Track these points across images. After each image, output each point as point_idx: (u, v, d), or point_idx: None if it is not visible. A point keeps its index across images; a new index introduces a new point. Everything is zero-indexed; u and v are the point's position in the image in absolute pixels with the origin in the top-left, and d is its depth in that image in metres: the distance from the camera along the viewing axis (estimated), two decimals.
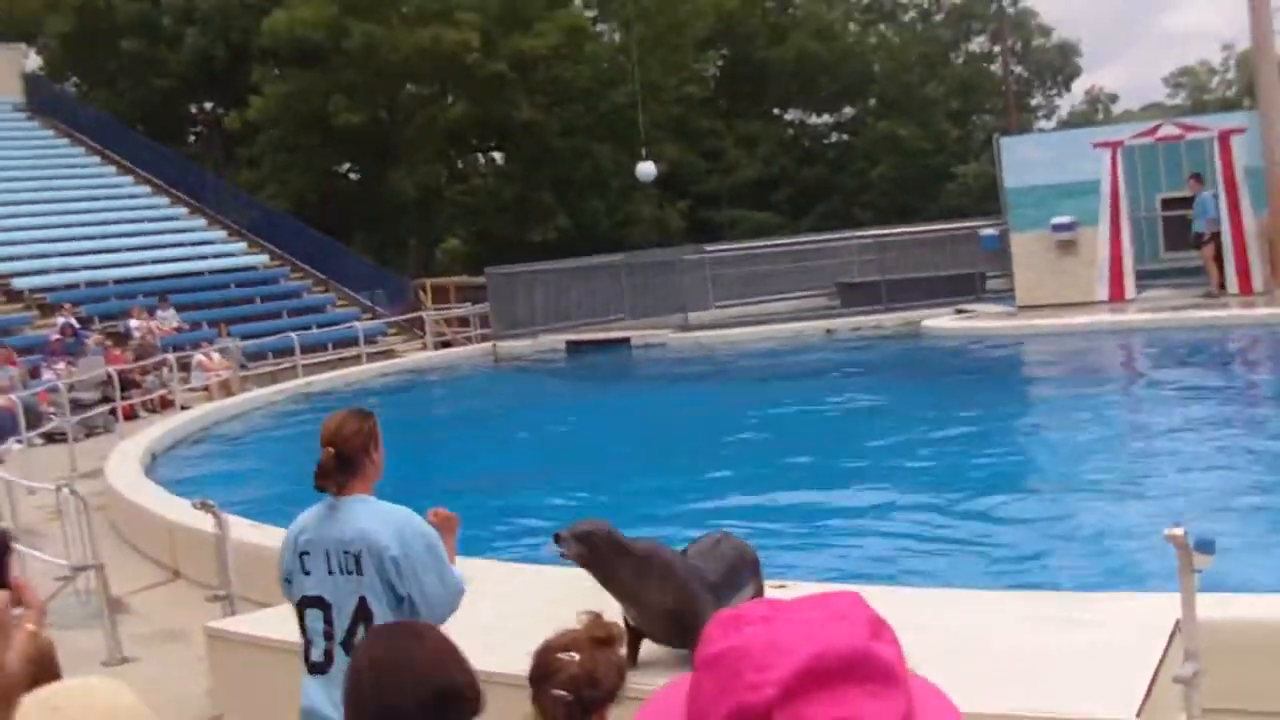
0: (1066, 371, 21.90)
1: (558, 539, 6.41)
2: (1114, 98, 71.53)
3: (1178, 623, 6.04)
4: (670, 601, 6.36)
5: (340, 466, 5.02)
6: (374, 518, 4.97)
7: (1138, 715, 5.36)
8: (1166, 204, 30.21)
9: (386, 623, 3.89)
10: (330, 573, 4.97)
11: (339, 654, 4.91)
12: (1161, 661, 5.93)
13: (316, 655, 5.00)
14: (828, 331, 29.42)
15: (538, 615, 6.48)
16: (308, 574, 5.03)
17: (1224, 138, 26.31)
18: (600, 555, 6.33)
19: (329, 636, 4.96)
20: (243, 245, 38.07)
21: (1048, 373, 22.75)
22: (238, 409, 24.35)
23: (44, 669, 1.89)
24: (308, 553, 5.04)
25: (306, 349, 29.17)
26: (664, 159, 43.45)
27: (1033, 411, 19.38)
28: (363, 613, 4.90)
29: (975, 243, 32.01)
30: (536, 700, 3.59)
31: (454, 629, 4.77)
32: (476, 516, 13.87)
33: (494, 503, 14.65)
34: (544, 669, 3.64)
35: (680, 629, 6.39)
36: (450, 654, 3.09)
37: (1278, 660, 6.58)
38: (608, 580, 6.41)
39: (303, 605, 5.06)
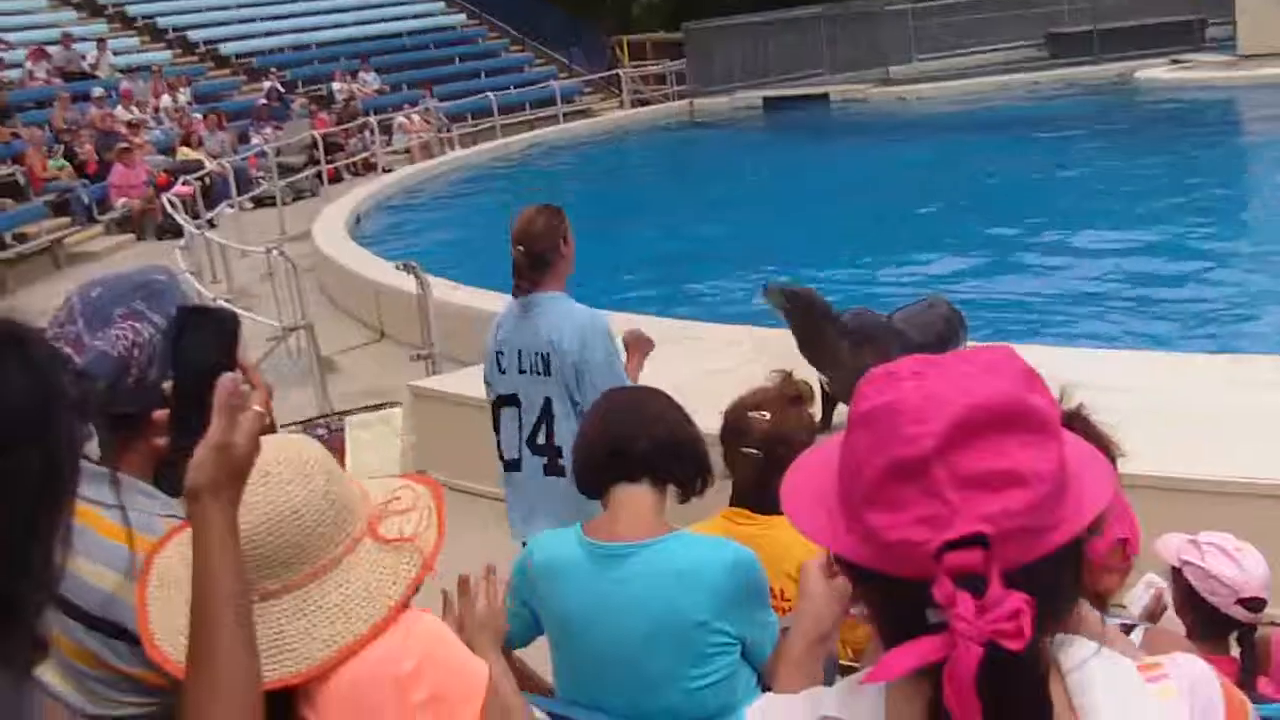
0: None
1: (768, 291, 6.42)
2: None
3: None
4: (868, 365, 6.35)
5: (532, 264, 5.01)
6: (562, 319, 4.96)
7: None
8: None
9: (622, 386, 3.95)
10: (522, 371, 5.03)
11: (525, 452, 5.00)
12: None
13: (511, 453, 5.08)
14: (1035, 84, 28.42)
15: (729, 374, 6.53)
16: (503, 373, 5.10)
17: None
18: (804, 314, 6.34)
19: (520, 434, 5.04)
20: (441, 4, 38.02)
21: (1270, 128, 21.69)
22: (438, 171, 24.68)
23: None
24: (502, 352, 5.10)
25: (504, 110, 29.29)
26: None
27: (1251, 171, 18.58)
28: (547, 413, 4.95)
29: None
30: (728, 457, 3.62)
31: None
32: (671, 277, 14.00)
33: (688, 262, 14.69)
34: (735, 426, 3.66)
35: None
36: (683, 414, 3.24)
37: None
38: (808, 341, 6.42)
39: (498, 405, 5.14)
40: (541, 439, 4.97)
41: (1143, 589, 3.62)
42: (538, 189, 21.49)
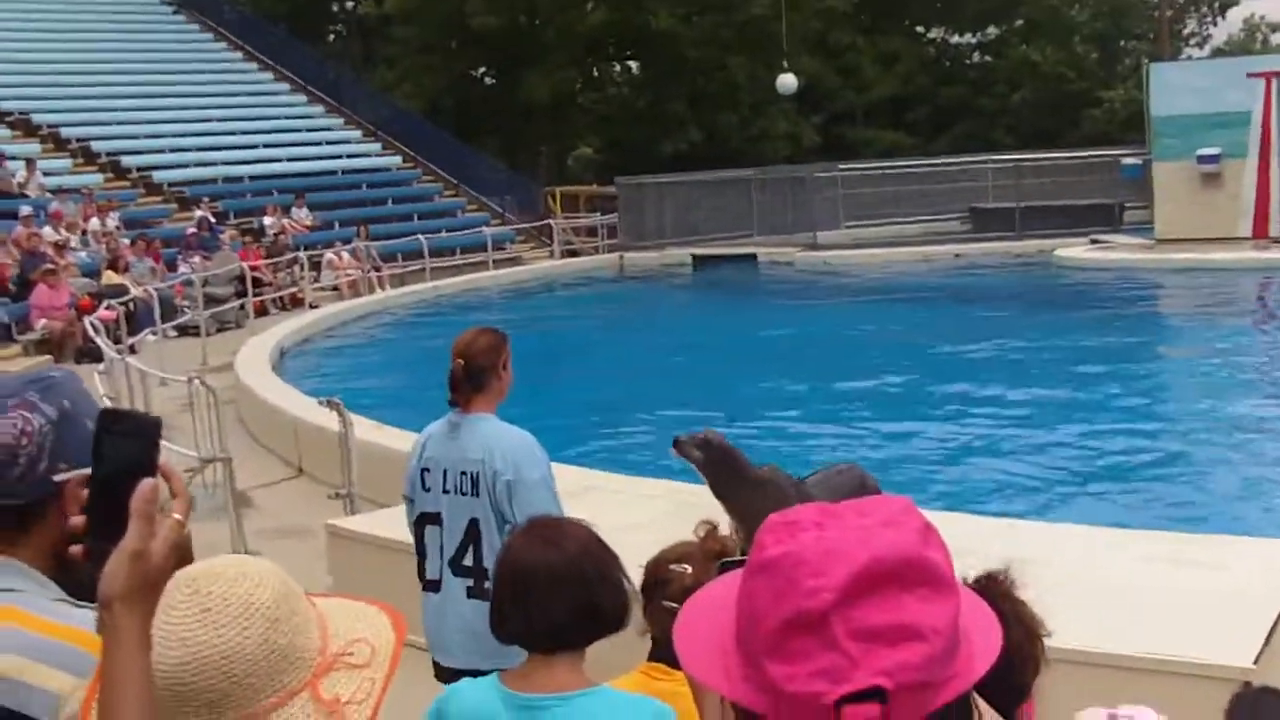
0: (1203, 309, 21.39)
1: (677, 444, 6.37)
2: (1275, 28, 69.06)
3: None
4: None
5: (468, 379, 4.99)
6: (493, 439, 4.94)
7: (1255, 663, 5.27)
8: None
9: (536, 520, 3.86)
10: (446, 491, 4.98)
11: (447, 574, 4.94)
12: None
13: (431, 573, 5.02)
14: (957, 256, 29.06)
15: (652, 527, 6.52)
16: (427, 490, 5.05)
17: None
18: (717, 466, 6.31)
19: (441, 554, 4.98)
20: (377, 146, 38.42)
21: (1183, 309, 22.28)
22: (366, 310, 24.70)
23: (185, 559, 1.91)
24: (428, 470, 5.05)
25: (435, 253, 29.44)
26: (801, 74, 42.86)
27: (1165, 349, 18.99)
28: (473, 534, 4.90)
29: (1116, 171, 31.26)
30: (647, 611, 3.58)
31: None
32: (594, 428, 14.00)
33: (612, 415, 14.71)
34: (656, 579, 3.62)
35: None
36: (594, 565, 3.12)
37: None
38: (721, 493, 6.39)
39: (421, 523, 5.08)
40: (468, 560, 4.88)
41: None
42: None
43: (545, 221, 35.38)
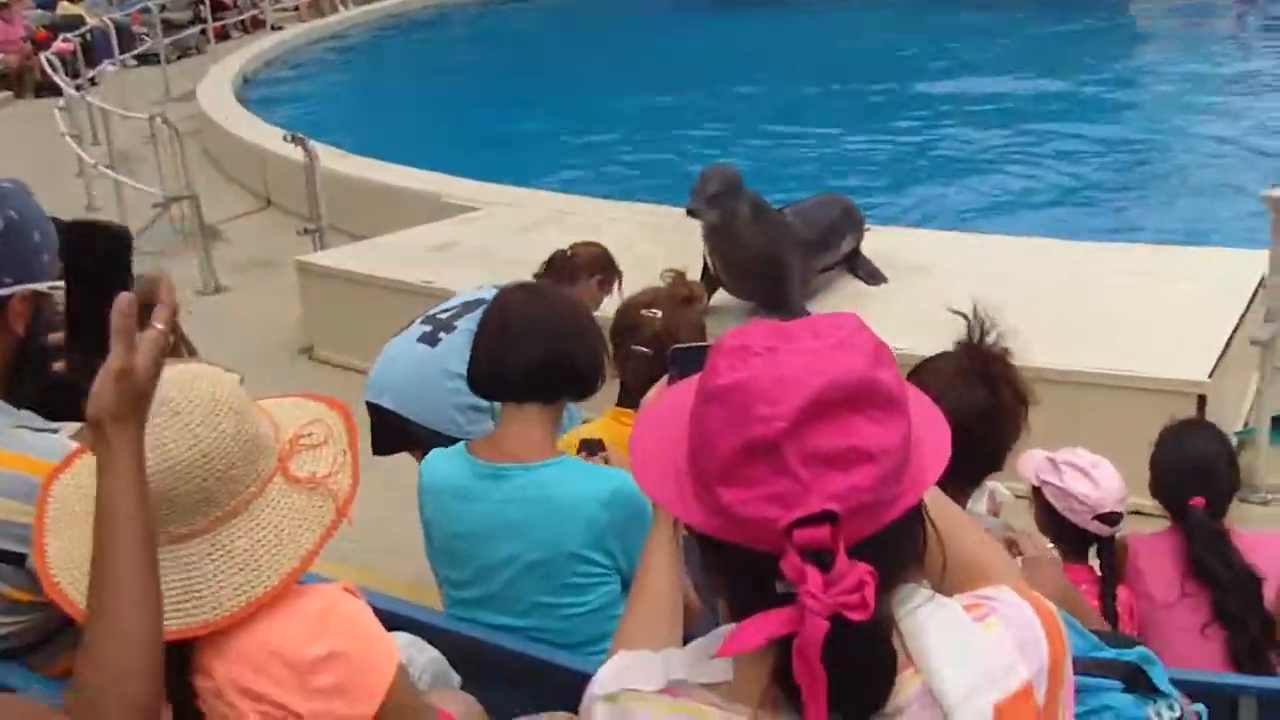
0: (1183, 18, 20.89)
1: (692, 211, 6.35)
2: None
3: (1262, 281, 5.94)
4: (759, 249, 6.41)
5: (562, 264, 5.04)
6: None
7: (1209, 377, 5.37)
8: None
9: (528, 282, 3.84)
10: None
11: (416, 323, 4.91)
12: (1240, 322, 5.90)
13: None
14: None
15: (620, 256, 6.53)
16: None
17: None
18: (718, 213, 6.32)
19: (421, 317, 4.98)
20: None
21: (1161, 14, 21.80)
22: (329, 30, 23.95)
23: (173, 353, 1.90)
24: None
25: None
26: None
27: (1140, 55, 18.69)
28: (471, 305, 4.79)
29: None
30: (618, 356, 3.61)
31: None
32: (564, 150, 13.87)
33: (586, 135, 14.56)
34: (626, 325, 3.66)
35: (763, 282, 6.48)
36: (576, 323, 3.12)
37: None
38: (712, 231, 6.42)
39: None
40: (443, 315, 4.85)
41: (973, 499, 3.71)
42: (436, 50, 21.17)
43: None
